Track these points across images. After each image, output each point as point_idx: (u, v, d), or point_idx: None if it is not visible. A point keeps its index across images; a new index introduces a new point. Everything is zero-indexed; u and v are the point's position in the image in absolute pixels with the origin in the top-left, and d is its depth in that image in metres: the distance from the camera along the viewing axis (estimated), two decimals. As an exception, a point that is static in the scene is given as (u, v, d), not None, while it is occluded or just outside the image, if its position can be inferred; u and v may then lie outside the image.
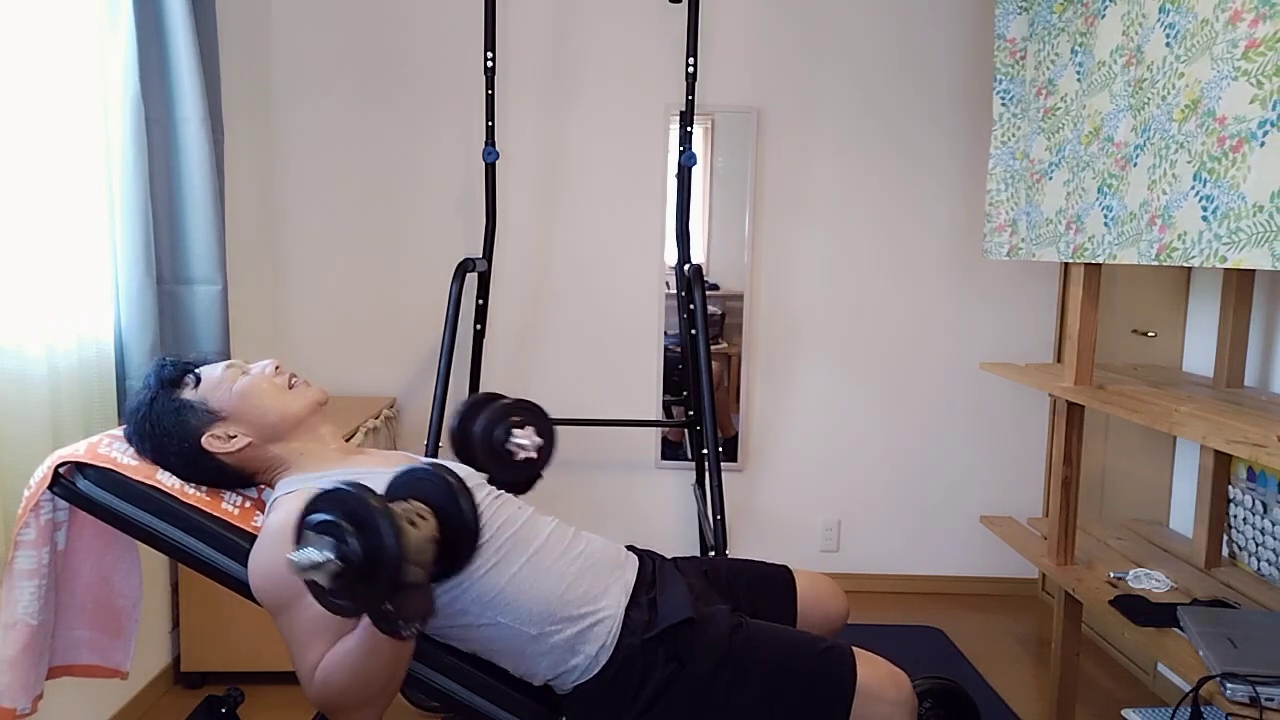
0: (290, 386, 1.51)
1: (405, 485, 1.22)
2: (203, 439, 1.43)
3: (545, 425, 1.76)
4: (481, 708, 1.44)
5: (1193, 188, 1.64)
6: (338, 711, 1.26)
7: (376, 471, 1.44)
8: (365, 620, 1.16)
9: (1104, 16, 2.05)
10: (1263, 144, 1.47)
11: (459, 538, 1.19)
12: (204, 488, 1.46)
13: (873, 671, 1.44)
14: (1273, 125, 1.46)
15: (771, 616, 1.61)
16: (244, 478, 1.49)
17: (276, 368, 1.51)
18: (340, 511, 1.06)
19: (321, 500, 1.09)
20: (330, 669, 1.24)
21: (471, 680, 1.44)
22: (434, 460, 1.31)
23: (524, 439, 1.71)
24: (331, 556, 1.04)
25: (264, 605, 1.32)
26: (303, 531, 1.08)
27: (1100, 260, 2.02)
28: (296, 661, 1.30)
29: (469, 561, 1.23)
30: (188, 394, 1.46)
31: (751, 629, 1.49)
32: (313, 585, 1.07)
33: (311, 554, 1.04)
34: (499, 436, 1.71)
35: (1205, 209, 1.60)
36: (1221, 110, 1.57)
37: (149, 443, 1.44)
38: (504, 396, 1.81)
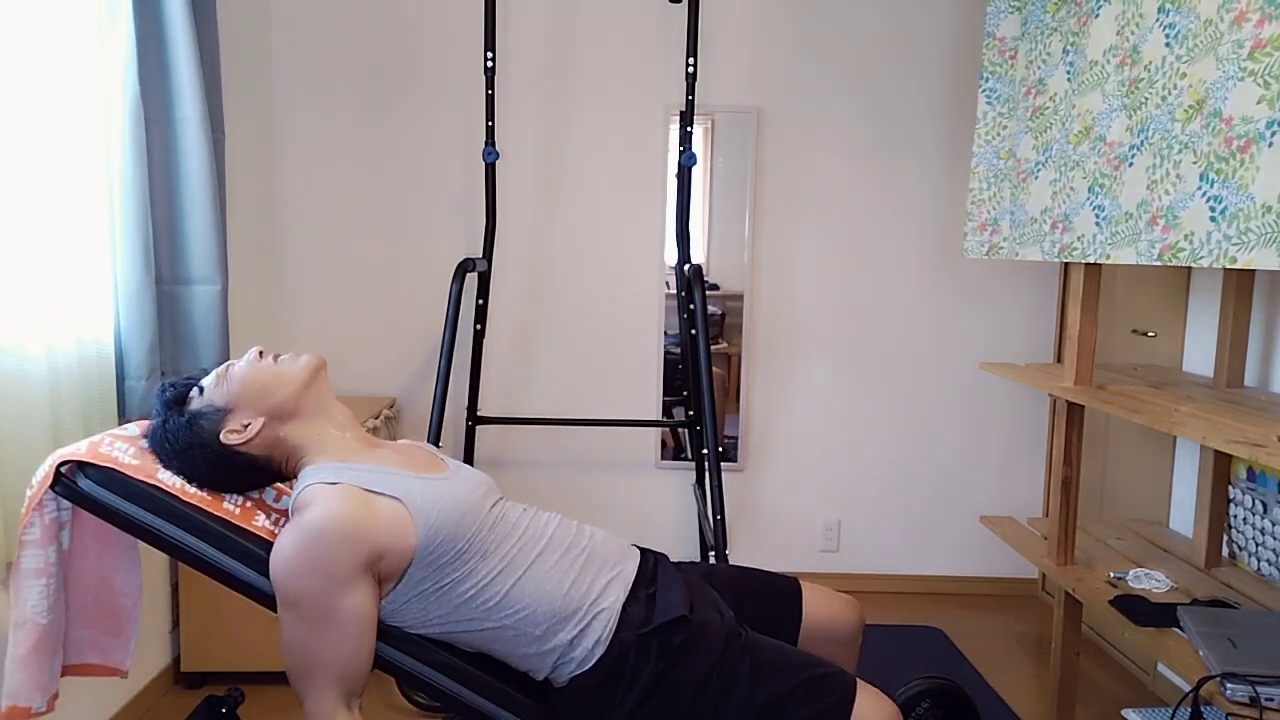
0: (279, 365, 1.50)
1: None
2: (221, 437, 1.43)
3: None
4: (481, 707, 1.44)
5: (1199, 188, 1.64)
6: None
7: (400, 473, 1.44)
8: None
9: (1098, 16, 2.05)
10: (1271, 144, 1.47)
11: None
12: (205, 488, 1.46)
13: (871, 709, 1.41)
14: (1280, 125, 1.46)
15: (774, 627, 1.60)
16: (275, 470, 1.49)
17: (260, 353, 1.51)
18: None
19: None
20: None
21: (471, 680, 1.43)
22: None
23: None
24: None
25: (278, 591, 1.32)
26: None
27: (1090, 260, 2.02)
28: (299, 672, 1.31)
29: None
30: (194, 405, 1.47)
31: (750, 640, 1.47)
32: None
33: None
34: None
35: (1214, 209, 1.60)
36: (1228, 111, 1.57)
37: (176, 461, 1.44)
38: None
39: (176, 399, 1.48)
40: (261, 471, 1.48)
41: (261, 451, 1.46)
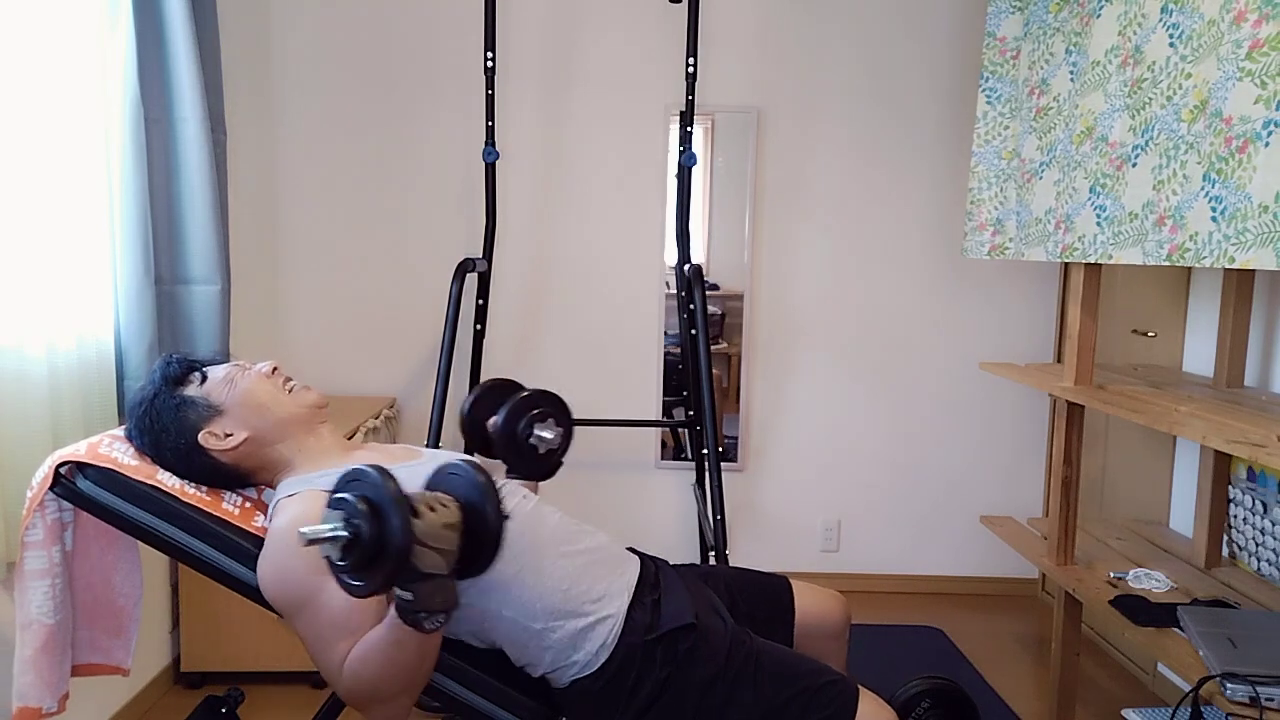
0: (288, 391, 1.51)
1: (435, 480, 1.25)
2: (199, 435, 1.43)
3: (564, 414, 1.73)
4: (482, 708, 1.44)
5: (1202, 188, 1.64)
6: (368, 704, 1.28)
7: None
8: (391, 613, 1.18)
9: (1099, 16, 2.05)
10: (1268, 144, 1.47)
11: (481, 533, 1.20)
12: (204, 488, 1.46)
13: (873, 716, 1.42)
14: (1277, 126, 1.46)
15: (769, 625, 1.61)
16: (240, 477, 1.49)
17: (274, 369, 1.51)
18: (355, 489, 1.10)
19: (342, 480, 1.13)
20: (358, 662, 1.25)
21: (472, 680, 1.43)
22: (465, 457, 1.32)
23: (547, 432, 1.68)
24: (340, 530, 1.07)
25: (278, 608, 1.32)
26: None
27: (1091, 260, 2.02)
28: (321, 660, 1.30)
29: (493, 558, 1.22)
30: (191, 390, 1.46)
31: (754, 646, 1.47)
32: (329, 562, 1.11)
33: (321, 526, 1.08)
34: (522, 432, 1.68)
35: (1214, 209, 1.60)
36: (1228, 111, 1.58)
37: (147, 437, 1.44)
38: (516, 384, 1.78)
39: (177, 378, 1.47)
40: (225, 477, 1.48)
41: (230, 461, 1.46)
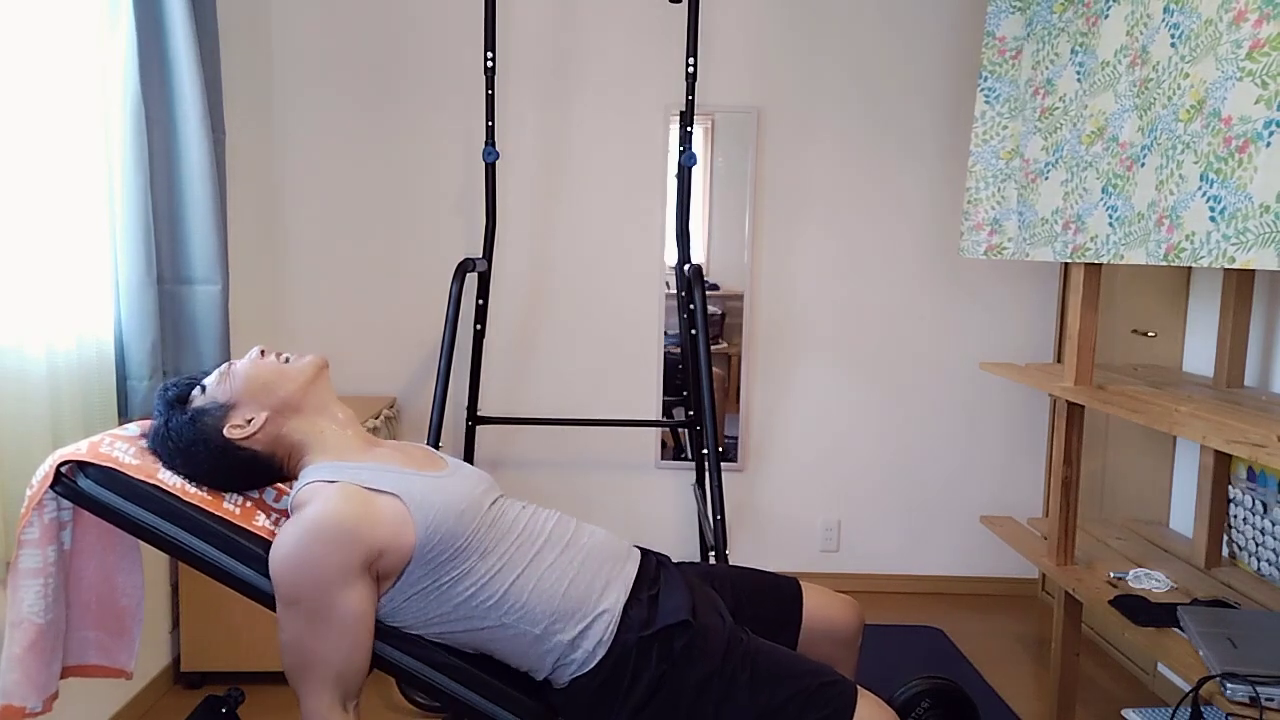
0: (285, 363, 1.51)
1: None
2: (224, 432, 1.44)
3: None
4: (482, 707, 1.44)
5: (1199, 188, 1.64)
6: None
7: (400, 470, 1.45)
8: None
9: (1107, 16, 2.05)
10: (1269, 144, 1.47)
11: None
12: (205, 487, 1.46)
13: (871, 718, 1.41)
14: (1278, 126, 1.46)
15: (774, 628, 1.59)
16: (278, 467, 1.49)
17: (262, 351, 1.51)
18: None
19: None
20: None
21: (471, 679, 1.43)
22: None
23: None
24: None
25: (278, 590, 1.32)
26: None
27: (1105, 260, 2.01)
28: (300, 678, 1.32)
29: None
30: (197, 403, 1.47)
31: (751, 646, 1.46)
32: None
33: None
34: None
35: (1213, 209, 1.60)
36: (1227, 111, 1.58)
37: (179, 459, 1.45)
38: None
39: (179, 398, 1.48)
40: (264, 468, 1.48)
41: (264, 448, 1.46)
